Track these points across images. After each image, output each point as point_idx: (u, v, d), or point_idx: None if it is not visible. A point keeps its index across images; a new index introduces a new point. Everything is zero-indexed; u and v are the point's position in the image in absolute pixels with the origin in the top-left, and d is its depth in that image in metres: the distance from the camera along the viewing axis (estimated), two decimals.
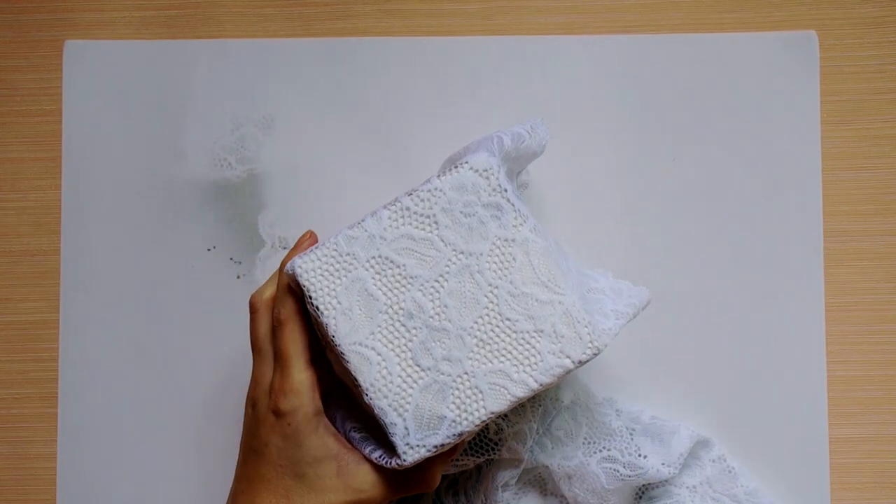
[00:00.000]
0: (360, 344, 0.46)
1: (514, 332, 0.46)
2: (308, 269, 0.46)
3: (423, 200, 0.46)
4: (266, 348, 0.49)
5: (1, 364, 0.60)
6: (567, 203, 0.60)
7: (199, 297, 0.60)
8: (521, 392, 0.46)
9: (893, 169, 0.60)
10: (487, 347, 0.46)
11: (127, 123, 0.60)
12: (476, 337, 0.46)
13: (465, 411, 0.45)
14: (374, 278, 0.46)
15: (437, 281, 0.46)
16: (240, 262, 0.60)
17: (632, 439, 0.56)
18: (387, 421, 0.45)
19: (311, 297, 0.46)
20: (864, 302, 0.60)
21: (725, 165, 0.60)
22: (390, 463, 0.46)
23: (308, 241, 0.51)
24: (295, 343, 0.48)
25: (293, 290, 0.48)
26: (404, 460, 0.45)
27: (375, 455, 0.47)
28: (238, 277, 0.60)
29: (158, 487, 0.59)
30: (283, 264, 0.49)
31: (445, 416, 0.45)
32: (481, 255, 0.46)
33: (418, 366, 0.46)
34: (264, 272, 0.60)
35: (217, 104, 0.60)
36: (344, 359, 0.46)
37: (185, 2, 0.61)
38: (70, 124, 0.61)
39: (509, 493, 0.57)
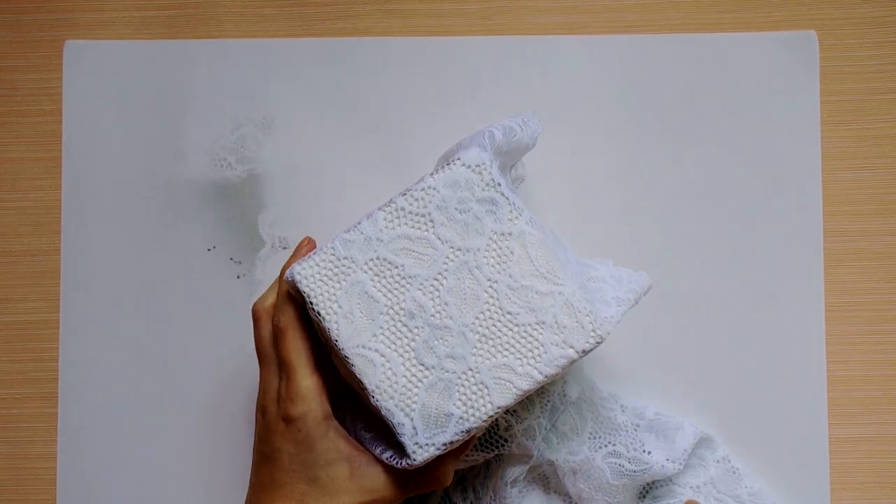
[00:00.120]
0: (364, 346, 0.46)
1: (516, 325, 0.46)
2: (307, 276, 0.46)
3: (417, 200, 0.47)
4: (270, 356, 0.49)
5: (1, 364, 0.60)
6: (567, 203, 0.60)
7: (199, 297, 0.60)
8: (526, 385, 0.46)
9: (893, 169, 0.60)
10: (490, 342, 0.46)
11: (127, 123, 0.60)
12: (478, 333, 0.46)
13: (472, 407, 0.45)
14: (373, 280, 0.46)
15: (436, 279, 0.46)
16: (240, 262, 0.60)
17: (636, 435, 0.56)
18: (394, 422, 0.45)
19: (311, 303, 0.46)
20: (864, 302, 0.60)
21: (725, 165, 0.60)
22: (401, 463, 0.46)
23: (306, 247, 0.51)
24: (297, 350, 0.48)
25: (293, 297, 0.48)
26: (414, 460, 0.45)
27: (386, 456, 0.47)
28: (238, 277, 0.60)
29: (158, 487, 0.59)
30: (283, 271, 0.49)
31: (452, 414, 0.45)
32: (478, 250, 0.46)
33: (422, 365, 0.46)
34: (264, 272, 0.60)
35: (217, 104, 0.60)
36: (348, 362, 0.46)
37: (185, 2, 0.61)
38: (70, 124, 0.61)
39: (514, 491, 0.57)
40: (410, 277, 0.46)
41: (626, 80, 0.60)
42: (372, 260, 0.46)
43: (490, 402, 0.45)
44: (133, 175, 0.60)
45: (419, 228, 0.46)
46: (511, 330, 0.46)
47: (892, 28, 0.60)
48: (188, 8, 0.61)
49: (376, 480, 0.47)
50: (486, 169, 0.46)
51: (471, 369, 0.46)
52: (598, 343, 0.46)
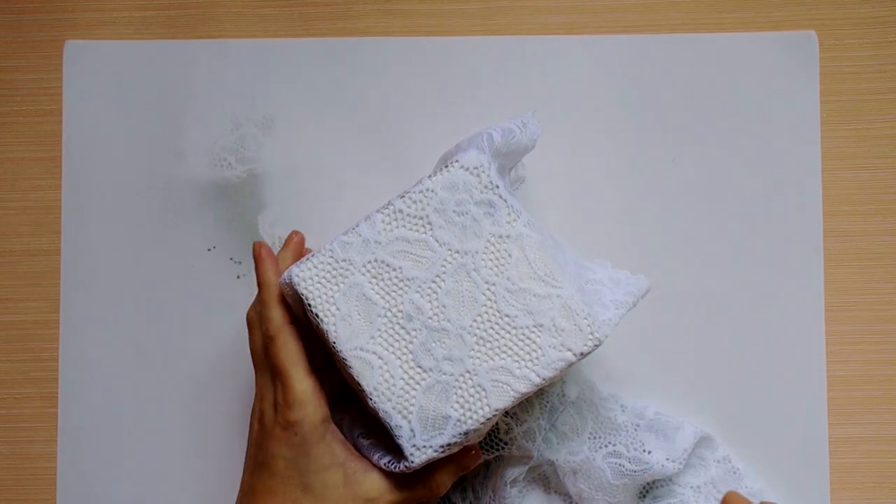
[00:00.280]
0: (361, 349, 0.46)
1: (514, 328, 0.46)
2: (305, 278, 0.46)
3: (415, 202, 0.46)
4: (264, 363, 0.49)
5: (1, 364, 0.60)
6: (567, 203, 0.60)
7: (199, 297, 0.60)
8: (523, 387, 0.46)
9: (893, 169, 0.60)
10: (488, 345, 0.46)
11: (127, 123, 0.60)
12: (476, 335, 0.46)
13: (470, 410, 0.45)
14: (371, 282, 0.46)
15: (433, 281, 0.46)
16: (240, 262, 0.60)
17: (637, 435, 0.56)
18: (392, 424, 0.45)
19: (310, 305, 0.46)
20: (863, 302, 0.60)
21: (725, 165, 0.60)
22: (399, 466, 0.46)
23: (294, 240, 0.51)
24: (289, 354, 0.47)
25: (283, 301, 0.48)
26: (412, 462, 0.45)
27: (384, 461, 0.47)
28: (238, 277, 0.60)
29: (158, 487, 0.59)
30: (259, 273, 0.49)
31: (450, 416, 0.45)
32: (476, 253, 0.46)
33: (420, 367, 0.46)
34: None
35: (217, 104, 0.60)
36: (346, 364, 0.46)
37: (185, 2, 0.61)
38: (70, 124, 0.61)
39: (514, 491, 0.57)
40: (408, 280, 0.46)
41: (626, 80, 0.60)
42: (370, 262, 0.46)
43: (488, 405, 0.45)
44: (133, 175, 0.60)
45: (417, 231, 0.46)
46: (509, 332, 0.46)
47: (892, 28, 0.60)
48: (188, 8, 0.61)
49: (371, 488, 0.47)
50: (484, 171, 0.46)
51: (468, 371, 0.46)
52: (596, 346, 0.46)
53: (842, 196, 0.60)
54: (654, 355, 0.59)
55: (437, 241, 0.46)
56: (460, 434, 0.45)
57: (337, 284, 0.46)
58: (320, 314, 0.46)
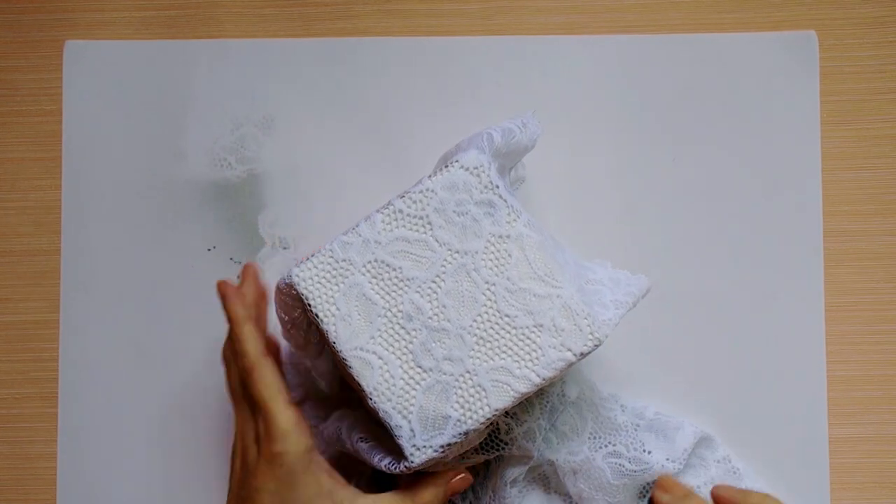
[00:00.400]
0: (361, 349, 0.46)
1: (514, 328, 0.46)
2: (305, 278, 0.46)
3: (415, 202, 0.47)
4: (242, 399, 0.48)
5: (1, 364, 0.60)
6: (567, 203, 0.60)
7: (199, 297, 0.60)
8: (523, 388, 0.46)
9: (893, 169, 0.60)
10: (488, 345, 0.46)
11: (127, 123, 0.60)
12: (476, 335, 0.46)
13: (470, 410, 0.45)
14: (371, 282, 0.46)
15: (433, 281, 0.46)
16: (240, 262, 0.60)
17: (637, 435, 0.56)
18: (392, 424, 0.45)
19: (310, 305, 0.46)
20: (863, 302, 0.60)
21: (725, 165, 0.60)
22: (399, 467, 0.46)
23: (251, 272, 0.51)
24: (268, 386, 0.46)
25: (256, 333, 0.47)
26: (412, 462, 0.45)
27: (385, 463, 0.47)
28: (238, 277, 0.60)
29: (158, 487, 0.59)
30: (229, 312, 0.48)
31: (450, 416, 0.45)
32: (476, 253, 0.46)
33: (420, 367, 0.46)
34: (264, 272, 0.60)
35: (217, 104, 0.60)
36: (346, 364, 0.46)
37: (185, 2, 0.61)
38: (70, 124, 0.61)
39: (514, 491, 0.57)
40: (408, 280, 0.46)
41: (626, 80, 0.60)
42: (370, 262, 0.46)
43: (488, 405, 0.45)
44: (133, 175, 0.60)
45: (417, 231, 0.46)
46: (509, 332, 0.46)
47: (892, 28, 0.60)
48: (188, 8, 0.61)
49: None
50: (484, 171, 0.46)
51: (468, 372, 0.46)
52: (596, 346, 0.46)
53: (842, 196, 0.60)
54: (654, 355, 0.59)
55: (437, 241, 0.46)
56: (460, 434, 0.45)
57: (337, 284, 0.46)
58: (320, 314, 0.46)
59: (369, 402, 0.46)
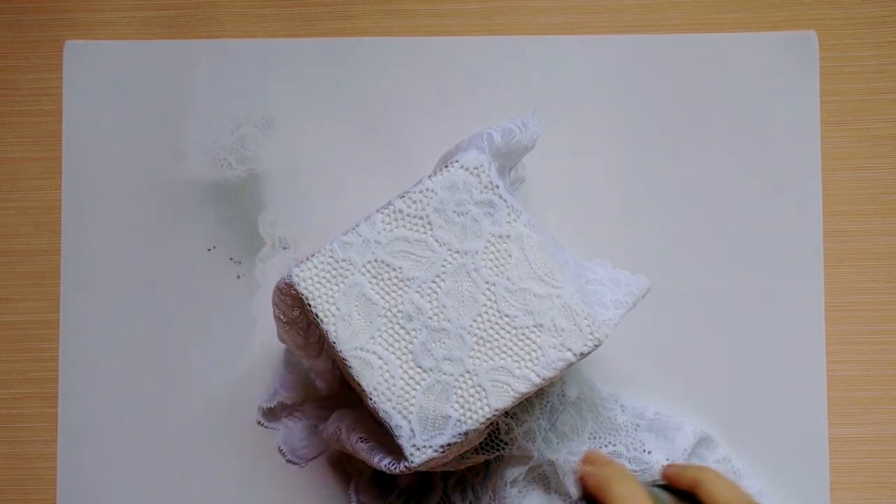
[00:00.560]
0: (361, 349, 0.46)
1: (514, 328, 0.46)
2: (305, 278, 0.46)
3: (415, 202, 0.47)
4: None
5: (1, 364, 0.60)
6: (567, 203, 0.60)
7: (199, 297, 0.60)
8: (523, 388, 0.46)
9: (893, 169, 0.60)
10: (488, 345, 0.46)
11: (127, 123, 0.60)
12: (476, 335, 0.46)
13: (470, 410, 0.45)
14: (371, 282, 0.46)
15: (433, 281, 0.46)
16: (240, 262, 0.60)
17: (636, 434, 0.56)
18: (392, 423, 0.45)
19: (310, 305, 0.46)
20: (864, 302, 0.60)
21: (725, 165, 0.60)
22: (399, 467, 0.46)
23: None
24: None
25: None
26: (412, 462, 0.45)
27: (385, 463, 0.47)
28: (238, 277, 0.60)
29: (158, 488, 0.59)
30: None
31: (450, 416, 0.45)
32: (476, 253, 0.46)
33: (420, 367, 0.46)
34: (264, 272, 0.60)
35: (217, 104, 0.60)
36: (346, 364, 0.46)
37: (185, 2, 0.61)
38: (70, 124, 0.61)
39: (514, 491, 0.57)
40: (408, 280, 0.46)
41: (626, 80, 0.60)
42: (370, 262, 0.46)
43: (488, 405, 0.45)
44: (133, 175, 0.60)
45: (417, 231, 0.46)
46: (509, 332, 0.46)
47: (892, 28, 0.60)
48: (188, 8, 0.61)
49: None
50: (484, 171, 0.46)
51: (468, 372, 0.46)
52: (596, 346, 0.46)
53: (842, 196, 0.60)
54: (654, 355, 0.59)
55: (437, 241, 0.46)
56: (460, 434, 0.45)
57: (337, 284, 0.46)
58: (320, 314, 0.46)
59: (369, 402, 0.46)
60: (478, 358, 0.46)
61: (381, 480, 0.58)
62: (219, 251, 0.60)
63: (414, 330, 0.46)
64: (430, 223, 0.46)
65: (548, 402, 0.55)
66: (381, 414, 0.45)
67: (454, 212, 0.46)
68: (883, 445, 0.59)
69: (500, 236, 0.46)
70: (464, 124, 0.59)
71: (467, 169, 0.46)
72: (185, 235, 0.60)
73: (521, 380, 0.46)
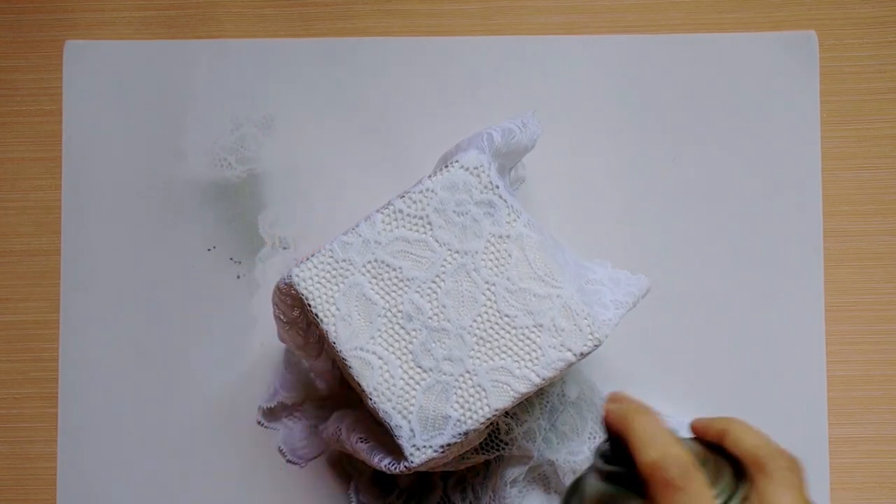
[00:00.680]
0: (361, 349, 0.46)
1: (514, 328, 0.46)
2: (305, 278, 0.46)
3: (415, 202, 0.46)
4: None
5: (1, 364, 0.60)
6: (567, 203, 0.60)
7: (199, 297, 0.60)
8: (523, 388, 0.46)
9: (893, 169, 0.60)
10: (488, 345, 0.46)
11: (127, 123, 0.60)
12: (476, 335, 0.46)
13: (470, 410, 0.45)
14: (371, 283, 0.46)
15: (433, 282, 0.46)
16: (240, 262, 0.60)
17: None
18: (392, 423, 0.45)
19: (310, 305, 0.46)
20: (863, 302, 0.60)
21: (725, 165, 0.60)
22: (399, 468, 0.46)
23: None
24: None
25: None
26: (412, 462, 0.45)
27: (384, 463, 0.47)
28: (238, 277, 0.60)
29: (158, 488, 0.59)
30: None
31: (450, 416, 0.45)
32: (476, 253, 0.46)
33: (420, 367, 0.46)
34: (264, 272, 0.60)
35: (217, 104, 0.60)
36: (346, 364, 0.46)
37: (185, 2, 0.61)
38: (70, 124, 0.61)
39: (514, 491, 0.57)
40: (408, 280, 0.46)
41: (626, 80, 0.60)
42: (370, 262, 0.46)
43: (488, 405, 0.45)
44: (133, 175, 0.60)
45: (417, 231, 0.46)
46: (509, 332, 0.46)
47: (892, 28, 0.60)
48: (188, 8, 0.61)
49: None
50: (484, 171, 0.46)
51: (468, 372, 0.46)
52: (596, 346, 0.46)
53: (842, 196, 0.60)
54: (654, 355, 0.59)
55: (437, 241, 0.46)
56: (460, 434, 0.45)
57: (337, 284, 0.46)
58: (320, 314, 0.46)
59: (369, 402, 0.46)
60: (478, 358, 0.46)
61: (381, 480, 0.57)
62: (219, 251, 0.60)
63: (414, 330, 0.46)
64: (430, 223, 0.46)
65: (548, 402, 0.55)
66: (381, 414, 0.45)
67: (454, 212, 0.46)
68: (883, 445, 0.59)
69: (500, 236, 0.46)
70: (464, 124, 0.59)
71: (467, 169, 0.46)
72: (185, 235, 0.60)
73: (521, 380, 0.46)
